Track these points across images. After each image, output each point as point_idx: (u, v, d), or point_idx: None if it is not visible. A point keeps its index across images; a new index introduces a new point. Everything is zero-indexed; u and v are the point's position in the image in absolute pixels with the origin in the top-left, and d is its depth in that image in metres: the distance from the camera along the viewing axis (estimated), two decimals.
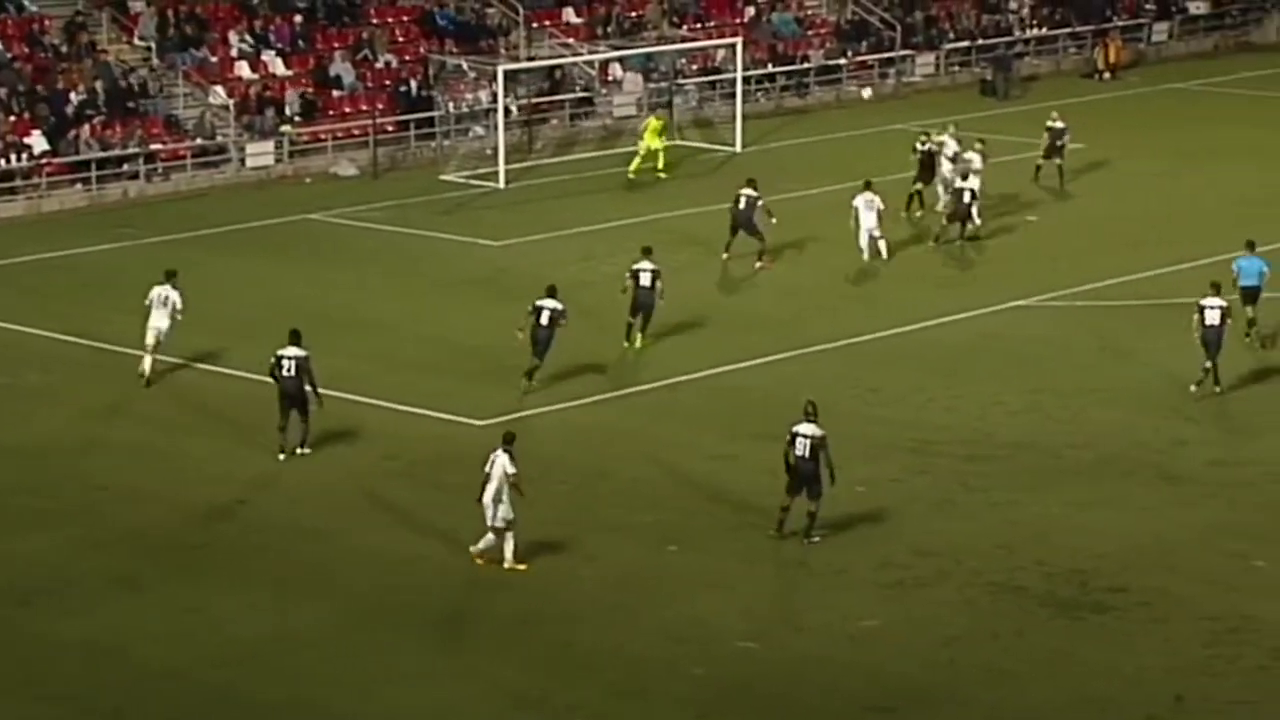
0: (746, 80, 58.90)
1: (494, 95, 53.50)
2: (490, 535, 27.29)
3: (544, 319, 34.54)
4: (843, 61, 64.50)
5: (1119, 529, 28.94)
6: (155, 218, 48.52)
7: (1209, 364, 34.49)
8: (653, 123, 53.07)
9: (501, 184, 51.47)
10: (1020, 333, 38.80)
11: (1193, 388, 34.61)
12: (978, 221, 44.39)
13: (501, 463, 27.19)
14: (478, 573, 27.46)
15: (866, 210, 43.30)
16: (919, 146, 47.20)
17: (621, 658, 25.08)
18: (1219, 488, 30.60)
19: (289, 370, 31.66)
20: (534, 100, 57.15)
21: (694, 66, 61.63)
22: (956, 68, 67.21)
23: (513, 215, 48.66)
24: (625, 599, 26.65)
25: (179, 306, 35.73)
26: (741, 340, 38.01)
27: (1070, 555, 27.88)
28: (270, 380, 31.92)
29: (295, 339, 31.92)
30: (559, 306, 34.60)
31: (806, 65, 63.82)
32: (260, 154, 53.05)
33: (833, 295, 41.21)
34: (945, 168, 46.74)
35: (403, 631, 25.77)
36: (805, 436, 27.94)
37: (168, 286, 36.06)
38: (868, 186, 43.68)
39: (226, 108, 53.48)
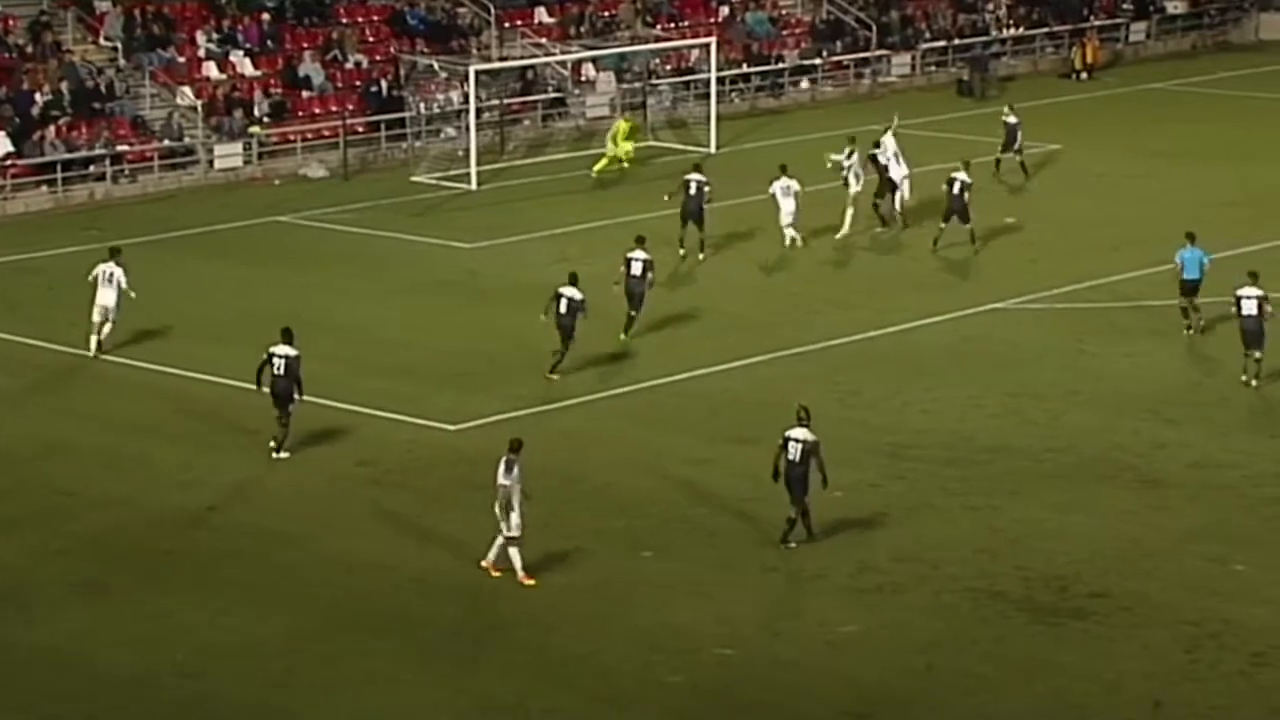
0: (721, 80, 59.02)
1: (465, 96, 53.46)
2: (499, 541, 27.12)
3: (563, 307, 35.10)
4: (818, 61, 64.58)
5: (1098, 533, 28.98)
6: (122, 220, 48.39)
7: (1251, 354, 34.96)
8: (621, 125, 53.01)
9: (473, 185, 51.43)
10: (999, 335, 38.85)
11: (1243, 379, 34.94)
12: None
13: (500, 471, 26.95)
14: (450, 578, 27.42)
15: (784, 196, 44.01)
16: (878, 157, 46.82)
17: (596, 665, 25.06)
18: (1199, 491, 30.67)
19: (279, 369, 31.66)
20: (506, 101, 57.12)
21: (668, 67, 61.66)
22: (933, 68, 67.33)
23: (485, 217, 48.61)
24: (600, 605, 26.63)
25: (124, 284, 36.58)
26: (718, 343, 38.00)
27: (1049, 560, 27.91)
28: (255, 380, 31.90)
29: (287, 337, 31.92)
30: (578, 295, 35.06)
31: (781, 65, 63.90)
32: (229, 155, 52.96)
33: (809, 297, 41.22)
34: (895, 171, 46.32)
35: (375, 638, 25.71)
36: (797, 441, 27.99)
37: (112, 264, 36.87)
38: (784, 171, 44.30)
39: (194, 109, 53.38)
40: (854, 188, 45.17)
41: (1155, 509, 29.96)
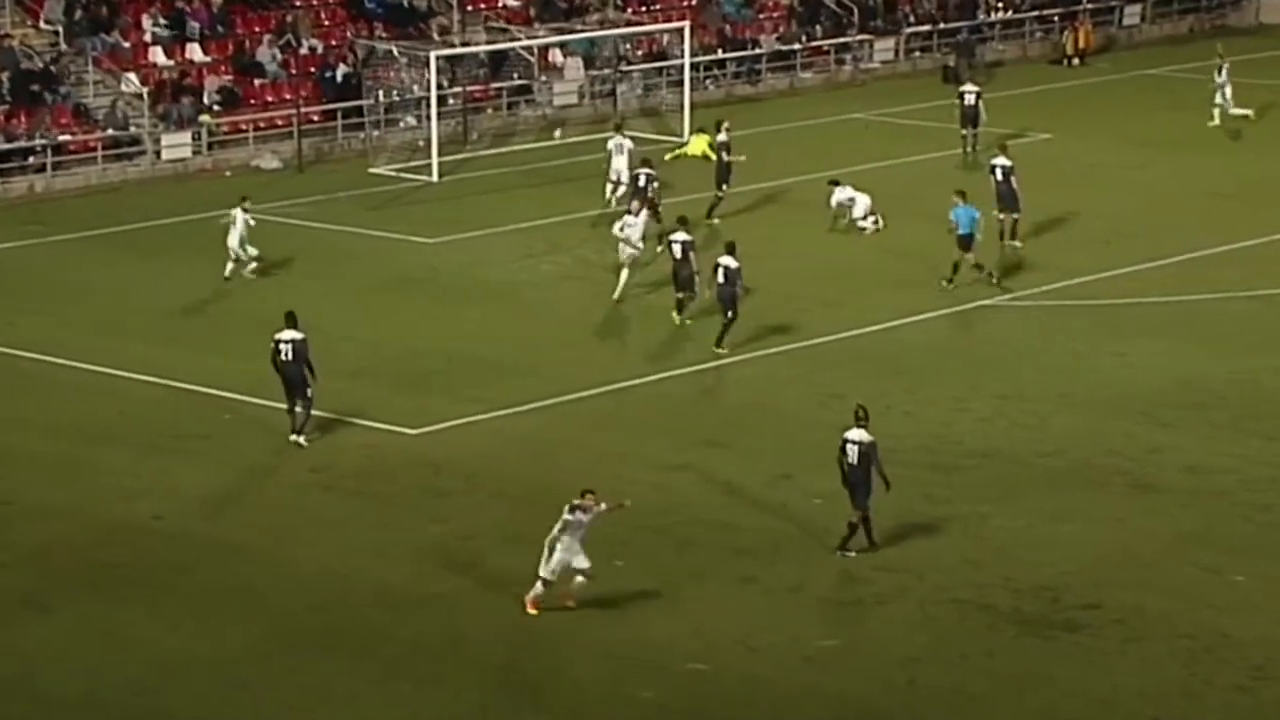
0: (695, 66, 59.02)
1: (426, 83, 53.48)
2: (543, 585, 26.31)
3: (721, 276, 36.57)
4: (797, 47, 64.64)
5: (1091, 542, 29.09)
6: (64, 214, 48.31)
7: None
8: (699, 140, 53.01)
9: (435, 177, 51.43)
10: (985, 334, 38.96)
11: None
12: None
13: (575, 515, 26.12)
14: (411, 591, 27.42)
15: (616, 154, 46.20)
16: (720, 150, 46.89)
17: (564, 681, 25.09)
18: (1195, 497, 30.79)
19: (287, 355, 32.22)
20: (469, 88, 57.13)
21: (639, 52, 61.69)
22: (917, 53, 67.43)
23: (447, 211, 48.60)
24: (567, 619, 26.64)
25: (248, 223, 41.68)
26: (691, 341, 38.04)
27: (1039, 570, 28.01)
28: (274, 369, 32.52)
29: (291, 321, 32.54)
30: (734, 265, 36.67)
31: (758, 51, 63.96)
32: (177, 146, 52.90)
33: (788, 294, 41.23)
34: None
35: (332, 653, 25.73)
36: (854, 443, 28.12)
37: (238, 209, 41.81)
38: (618, 130, 47.23)
39: (140, 96, 53.29)
40: (629, 251, 40.26)
41: (1149, 516, 30.08)
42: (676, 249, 38.27)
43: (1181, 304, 40.43)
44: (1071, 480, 31.43)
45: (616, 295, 39.96)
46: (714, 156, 47.93)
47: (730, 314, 36.86)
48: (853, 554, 28.27)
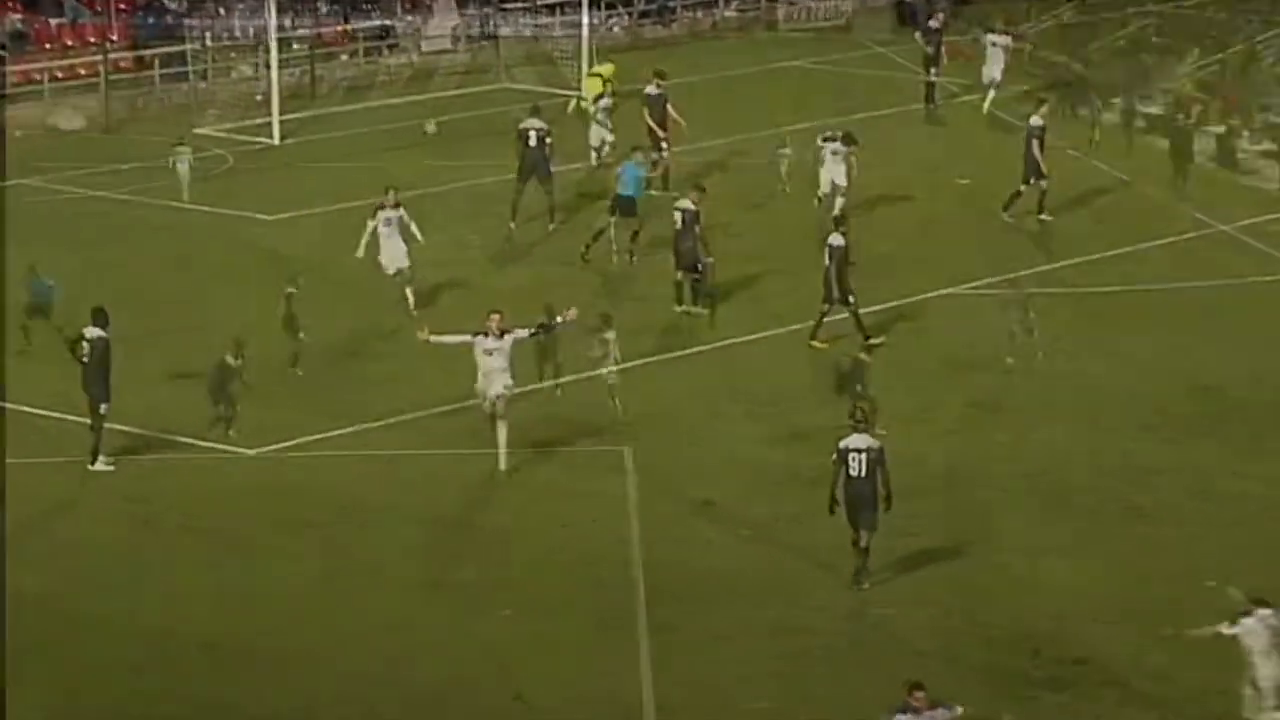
0: (594, 4, 59.09)
1: (265, 24, 53.37)
2: None
3: (826, 256, 37.86)
4: None
5: (1080, 582, 29.29)
6: None
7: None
8: (593, 81, 53.11)
9: (275, 139, 51.38)
10: (951, 330, 39.13)
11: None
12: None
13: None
14: (251, 645, 27.38)
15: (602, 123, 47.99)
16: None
17: None
18: (1207, 528, 31.04)
19: (85, 354, 32.59)
20: (318, 30, 57.06)
21: None
22: None
23: (291, 181, 48.55)
24: (439, 680, 26.66)
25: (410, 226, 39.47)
26: (595, 339, 38.07)
27: (1018, 617, 28.22)
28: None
29: (95, 318, 32.84)
30: (840, 243, 37.69)
31: None
32: None
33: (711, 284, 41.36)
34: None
35: None
36: (860, 451, 28.35)
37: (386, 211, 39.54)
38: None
39: None
40: (496, 391, 33.09)
41: (1150, 549, 30.33)
42: (677, 218, 39.22)
43: (1189, 291, 40.74)
44: (1057, 507, 31.66)
45: (503, 465, 32.87)
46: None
47: (828, 304, 37.54)
48: (866, 586, 28.56)
